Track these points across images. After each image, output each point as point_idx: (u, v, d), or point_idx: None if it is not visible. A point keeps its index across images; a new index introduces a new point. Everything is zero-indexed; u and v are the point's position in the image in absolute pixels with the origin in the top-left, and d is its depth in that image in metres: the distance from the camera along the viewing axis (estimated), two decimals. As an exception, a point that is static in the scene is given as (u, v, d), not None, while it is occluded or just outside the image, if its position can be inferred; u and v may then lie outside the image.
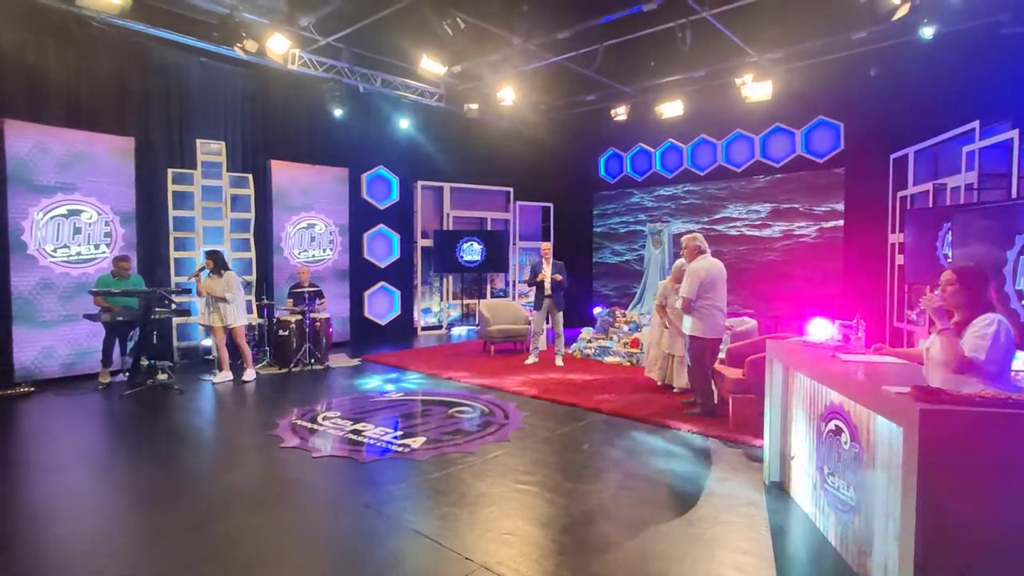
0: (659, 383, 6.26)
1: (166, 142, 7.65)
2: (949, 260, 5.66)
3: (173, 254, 7.63)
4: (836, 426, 2.85)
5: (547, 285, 7.40)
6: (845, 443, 2.75)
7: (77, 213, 6.70)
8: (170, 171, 7.59)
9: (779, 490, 3.59)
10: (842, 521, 2.77)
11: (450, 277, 11.16)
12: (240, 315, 6.66)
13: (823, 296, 9.19)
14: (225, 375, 6.65)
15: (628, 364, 7.63)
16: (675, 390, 6.03)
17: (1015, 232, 3.46)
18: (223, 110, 8.15)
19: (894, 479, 2.28)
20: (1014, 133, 5.33)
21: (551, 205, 12.38)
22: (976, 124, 6.08)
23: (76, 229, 6.70)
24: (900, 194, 7.55)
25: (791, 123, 9.53)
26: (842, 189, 8.99)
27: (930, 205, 6.81)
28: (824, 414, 3.00)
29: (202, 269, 6.58)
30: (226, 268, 6.59)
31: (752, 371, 4.77)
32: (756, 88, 8.60)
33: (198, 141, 7.74)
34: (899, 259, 7.42)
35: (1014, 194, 5.31)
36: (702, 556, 2.82)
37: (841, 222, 9.02)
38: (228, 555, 2.85)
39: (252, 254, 8.23)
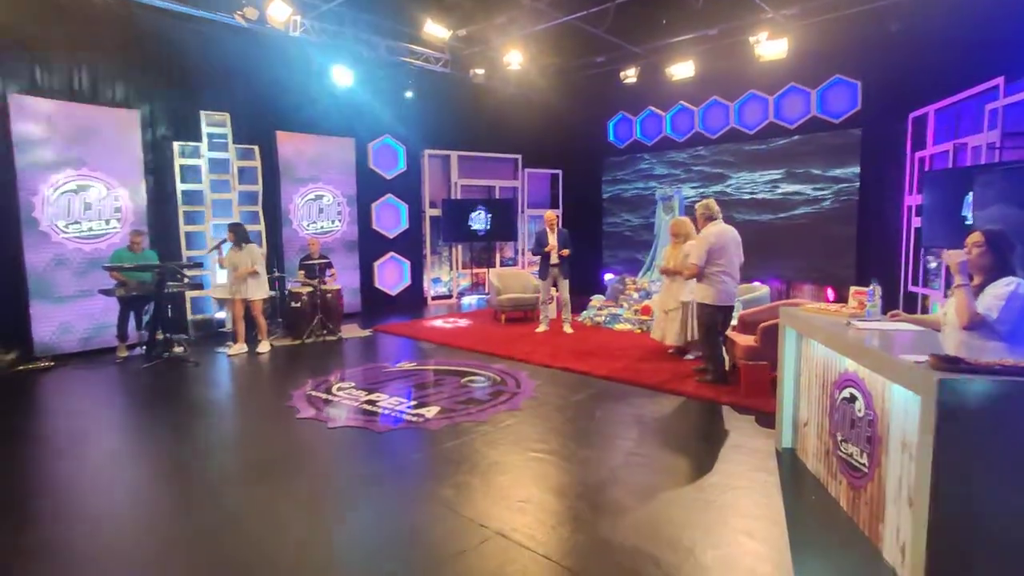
0: (666, 345, 6.26)
1: (171, 115, 7.58)
2: (970, 223, 5.53)
3: (184, 228, 7.64)
4: (850, 394, 2.83)
5: (553, 256, 7.36)
6: (859, 410, 2.74)
7: (86, 188, 6.70)
8: (176, 144, 7.55)
9: (791, 456, 3.61)
10: (855, 487, 2.79)
11: (459, 246, 11.13)
12: (260, 288, 6.73)
13: (837, 261, 9.07)
14: (240, 347, 6.74)
15: (639, 331, 7.63)
16: (670, 351, 6.10)
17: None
18: (226, 81, 8.02)
19: (909, 447, 2.27)
20: (1040, 90, 5.15)
21: (560, 172, 12.23)
22: (1001, 80, 5.86)
23: (86, 205, 6.71)
24: (918, 155, 7.36)
25: (806, 82, 9.24)
26: (858, 151, 8.77)
27: (950, 166, 6.63)
28: (838, 381, 2.99)
29: (222, 242, 6.64)
30: (247, 241, 6.63)
31: (764, 338, 4.75)
32: (771, 46, 8.33)
33: (202, 113, 7.66)
34: (916, 222, 7.28)
35: (1038, 153, 5.16)
36: (714, 522, 2.86)
37: (856, 184, 8.83)
38: (246, 525, 2.93)
39: (261, 227, 8.22)
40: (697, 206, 5.34)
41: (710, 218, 5.20)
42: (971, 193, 5.19)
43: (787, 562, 2.51)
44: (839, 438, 2.96)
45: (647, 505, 3.03)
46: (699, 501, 3.08)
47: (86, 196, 6.70)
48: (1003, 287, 2.54)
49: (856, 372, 2.78)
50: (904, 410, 2.32)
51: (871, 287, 3.23)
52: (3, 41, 6.24)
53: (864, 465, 2.68)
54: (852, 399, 2.82)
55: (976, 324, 2.56)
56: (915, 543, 2.08)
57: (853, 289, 3.44)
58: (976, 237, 2.70)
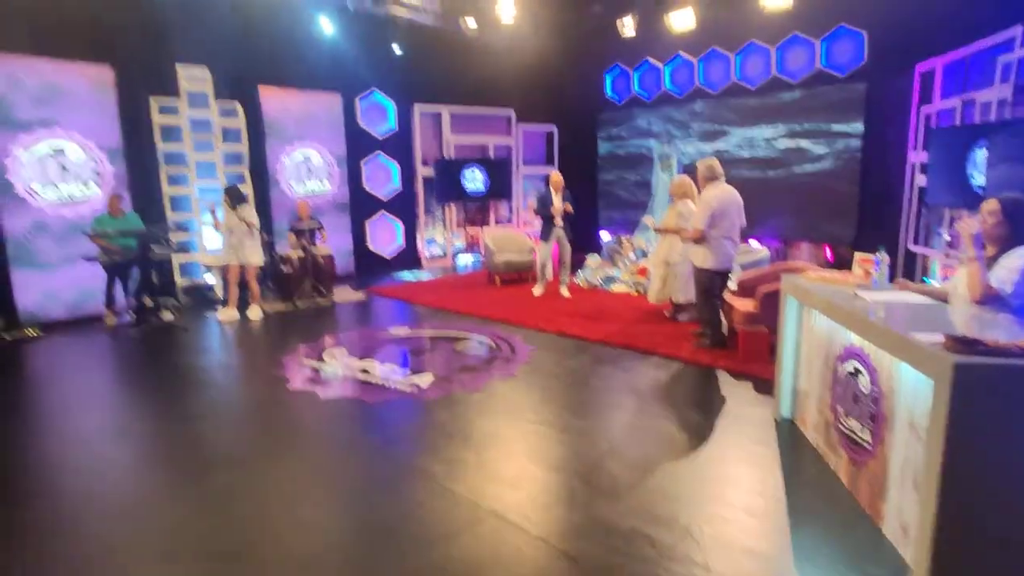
0: (662, 306, 6.21)
1: (146, 69, 7.20)
2: (976, 182, 5.37)
3: (167, 190, 7.39)
4: (854, 367, 2.75)
5: (558, 219, 7.19)
6: (864, 386, 2.66)
7: (61, 151, 6.42)
8: (154, 101, 7.20)
9: (790, 426, 3.57)
10: (856, 463, 2.74)
11: (453, 206, 10.90)
12: (257, 253, 6.58)
13: (837, 219, 8.92)
14: (232, 312, 6.63)
15: (635, 293, 7.54)
16: (666, 313, 6.20)
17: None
18: (204, 32, 7.59)
19: (917, 428, 2.20)
20: (1060, 41, 4.90)
21: (555, 128, 11.87)
22: (1018, 31, 5.58)
23: (63, 168, 6.45)
24: (924, 110, 7.11)
25: (810, 32, 8.85)
26: (862, 106, 8.48)
27: (957, 122, 6.41)
28: (842, 354, 2.91)
29: (214, 208, 6.49)
30: (243, 201, 6.43)
31: (764, 303, 4.66)
32: (776, -8, 7.94)
33: (179, 67, 7.29)
34: (919, 180, 7.10)
35: (1053, 110, 4.96)
36: (711, 498, 2.82)
37: (859, 141, 8.59)
38: (234, 503, 2.88)
39: (249, 188, 7.96)
40: (699, 165, 5.14)
41: (712, 179, 5.01)
42: (982, 151, 5.00)
43: (786, 540, 2.48)
44: (841, 412, 2.90)
45: (643, 481, 2.98)
46: (696, 475, 3.04)
47: (62, 159, 6.43)
48: (1018, 259, 2.42)
49: (861, 346, 2.69)
50: (913, 390, 2.24)
51: (877, 255, 3.11)
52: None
53: (867, 442, 2.63)
54: (856, 373, 2.74)
55: (989, 298, 2.46)
56: (922, 527, 2.03)
57: (858, 256, 3.32)
58: (992, 204, 2.57)
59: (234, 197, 6.39)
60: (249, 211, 6.51)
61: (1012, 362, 1.85)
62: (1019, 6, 5.74)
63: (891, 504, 2.41)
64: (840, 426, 2.90)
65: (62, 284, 6.48)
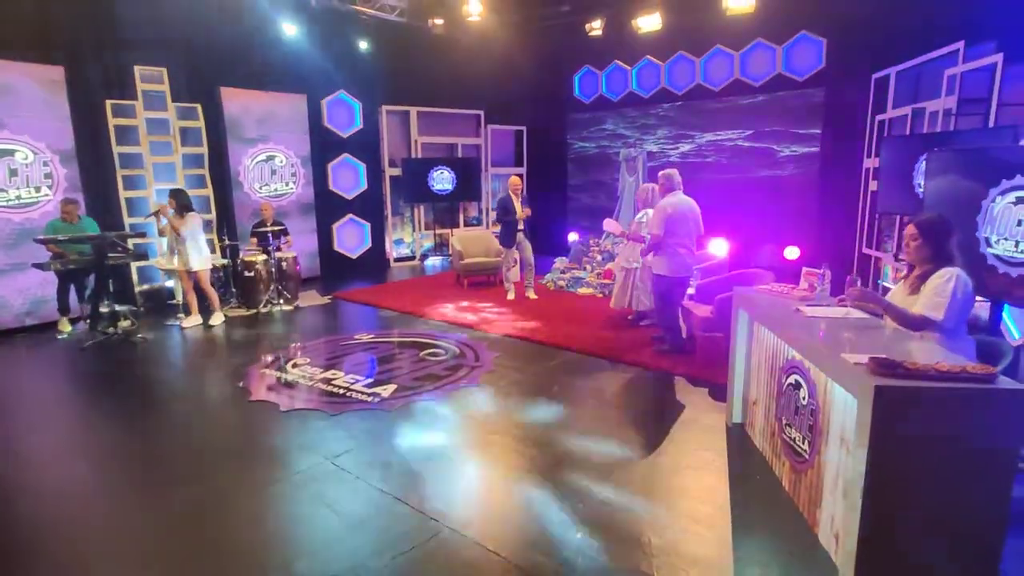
0: (625, 312, 6.32)
1: (100, 70, 7.02)
2: (921, 192, 5.59)
3: (123, 194, 7.21)
4: (796, 380, 2.87)
5: (520, 223, 7.25)
6: (803, 398, 2.78)
7: (10, 153, 6.22)
8: (108, 103, 7.01)
9: (740, 432, 3.70)
10: (796, 471, 2.86)
11: (421, 207, 10.86)
12: (203, 259, 6.41)
13: (797, 221, 9.18)
14: (194, 319, 6.51)
15: (600, 296, 7.65)
16: (629, 317, 6.32)
17: (989, 179, 3.37)
18: (161, 32, 7.42)
19: (846, 442, 2.32)
20: (998, 57, 5.12)
21: (524, 128, 11.91)
22: (961, 45, 5.82)
23: (12, 171, 6.24)
24: (879, 118, 7.36)
25: (773, 38, 9.07)
26: (821, 109, 8.74)
27: (907, 130, 6.65)
28: (785, 367, 3.02)
29: (158, 211, 6.26)
30: (189, 208, 6.27)
31: (720, 310, 4.78)
32: (739, -1, 8.10)
33: (136, 68, 7.11)
34: (872, 185, 7.35)
35: (991, 122, 5.18)
36: (663, 506, 2.91)
37: (817, 145, 8.85)
38: (195, 521, 2.86)
39: (209, 191, 7.83)
40: (659, 176, 5.27)
41: (670, 189, 5.15)
42: (922, 162, 5.22)
43: (728, 547, 2.58)
44: (784, 422, 3.02)
45: (598, 490, 3.06)
46: (649, 484, 3.13)
47: (11, 161, 6.22)
48: (943, 284, 2.55)
49: (802, 361, 2.80)
50: (844, 406, 2.35)
51: (822, 270, 3.24)
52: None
53: (805, 451, 2.75)
54: (797, 386, 2.86)
55: (923, 327, 2.58)
56: (847, 536, 2.14)
57: (805, 270, 3.45)
58: (910, 229, 2.71)
59: (180, 202, 6.23)
60: (192, 220, 6.26)
61: (929, 384, 1.97)
62: (962, 22, 5.99)
63: (825, 512, 2.53)
64: (783, 435, 3.02)
65: (11, 291, 6.28)
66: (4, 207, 6.21)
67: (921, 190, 5.68)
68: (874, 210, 7.11)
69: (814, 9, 8.44)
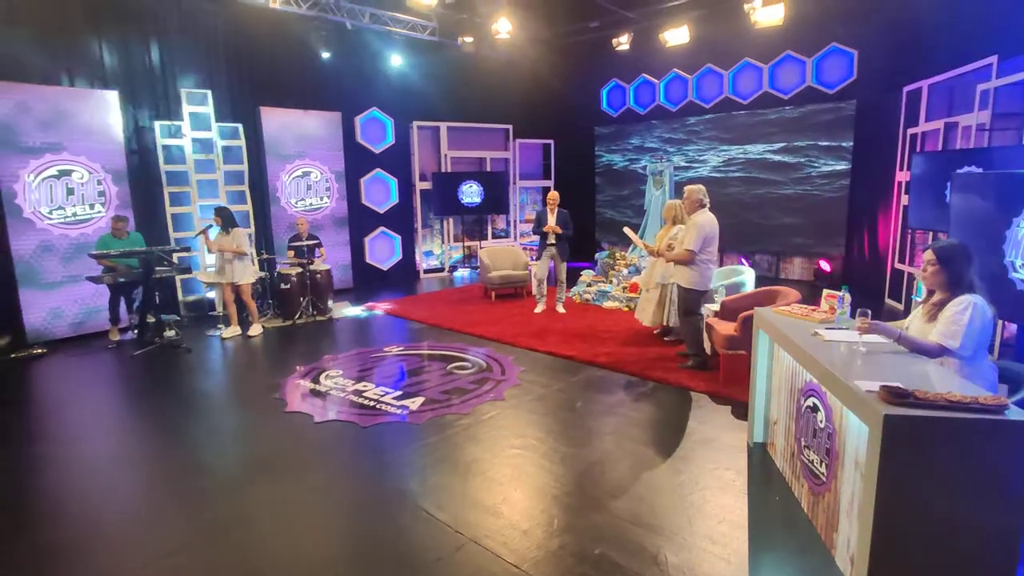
0: (652, 327, 6.36)
1: (150, 94, 7.44)
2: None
3: (169, 210, 7.61)
4: (813, 403, 2.91)
5: (551, 236, 7.34)
6: (820, 421, 2.82)
7: (68, 173, 6.64)
8: (157, 124, 7.42)
9: (762, 452, 3.73)
10: (815, 493, 2.90)
11: (451, 219, 11.09)
12: (248, 272, 6.74)
13: (827, 235, 9.07)
14: (233, 330, 6.82)
15: (626, 309, 7.70)
16: (655, 332, 6.37)
17: (1014, 204, 3.34)
18: (207, 57, 7.85)
19: (860, 466, 2.36)
20: (1032, 73, 5.05)
21: (552, 142, 12.05)
22: (994, 59, 5.75)
23: (69, 190, 6.66)
24: (910, 131, 7.26)
25: (802, 51, 9.04)
26: (852, 122, 8.65)
27: (940, 145, 6.57)
28: (804, 389, 3.06)
29: (208, 226, 6.63)
30: (234, 224, 6.61)
31: (744, 328, 4.81)
32: (766, 13, 8.10)
33: (183, 91, 7.51)
34: (905, 199, 7.25)
35: (1025, 139, 5.11)
36: (680, 525, 2.98)
37: (849, 157, 8.75)
38: (232, 531, 3.05)
39: (249, 206, 8.18)
40: (686, 191, 5.33)
41: (700, 204, 5.20)
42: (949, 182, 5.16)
43: (744, 567, 2.64)
44: (803, 443, 3.06)
45: (617, 506, 3.15)
46: (668, 502, 3.20)
47: (68, 181, 6.65)
48: (959, 313, 2.57)
49: (819, 383, 2.84)
50: (858, 431, 2.40)
51: (842, 293, 3.27)
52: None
53: (823, 474, 2.79)
54: (815, 409, 2.90)
55: (938, 354, 2.61)
56: (861, 560, 2.19)
57: (825, 292, 3.48)
58: (928, 255, 2.73)
59: (226, 219, 6.57)
60: (231, 240, 6.56)
61: (939, 414, 2.01)
62: (995, 36, 5.91)
63: (842, 535, 2.56)
64: (802, 457, 3.06)
65: (66, 302, 6.68)
66: (61, 224, 6.63)
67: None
68: (907, 224, 7.01)
69: (845, 21, 8.40)
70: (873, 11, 7.89)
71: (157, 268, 6.40)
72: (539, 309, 7.68)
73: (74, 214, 6.72)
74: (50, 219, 6.54)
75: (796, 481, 3.18)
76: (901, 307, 7.03)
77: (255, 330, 6.89)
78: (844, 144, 8.78)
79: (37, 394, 5.35)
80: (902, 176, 7.46)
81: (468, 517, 3.07)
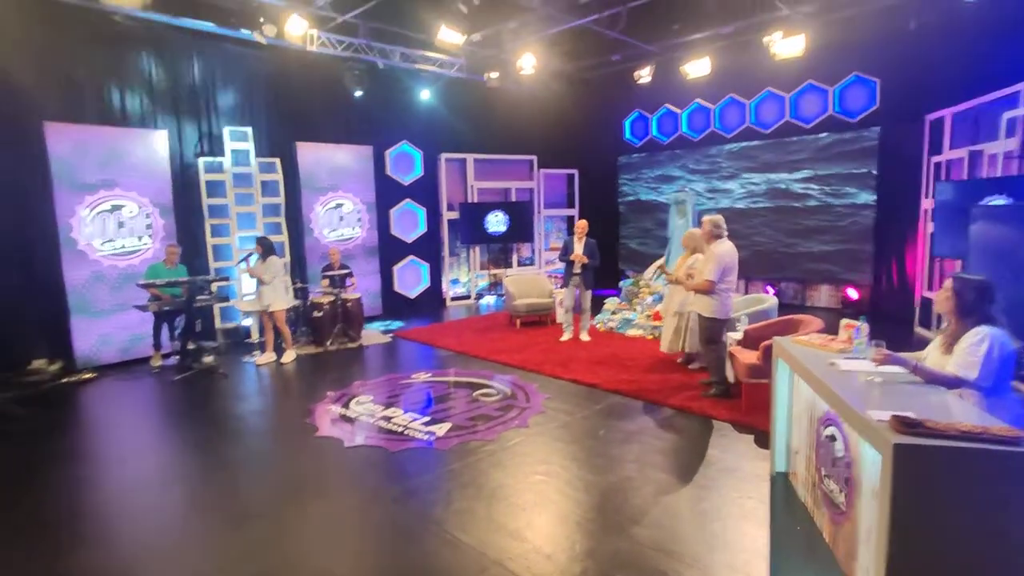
0: (674, 355, 6.41)
1: (196, 132, 7.90)
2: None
3: (210, 241, 7.99)
4: (832, 433, 2.96)
5: (576, 266, 7.45)
6: (839, 451, 2.87)
7: (119, 208, 7.07)
8: (201, 160, 7.87)
9: (784, 481, 3.75)
10: (835, 522, 2.92)
11: (477, 248, 11.33)
12: (279, 299, 7.01)
13: (853, 263, 9.01)
14: (268, 356, 7.08)
15: (650, 338, 7.74)
16: (678, 360, 6.41)
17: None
18: (248, 96, 8.32)
19: (876, 496, 2.40)
20: (1055, 102, 5.07)
21: (575, 172, 12.28)
22: (1021, 87, 5.76)
23: (119, 223, 7.09)
24: (934, 159, 7.26)
25: (824, 80, 9.13)
26: (875, 151, 8.66)
27: (964, 173, 6.55)
28: (823, 418, 3.11)
29: (249, 255, 6.96)
30: (272, 252, 6.93)
31: (766, 357, 4.84)
32: (787, 44, 8.22)
33: (227, 129, 7.96)
34: (930, 227, 7.21)
35: (1050, 168, 5.10)
36: (701, 553, 3.03)
37: (873, 185, 8.73)
38: (265, 553, 3.19)
39: (284, 237, 8.54)
40: (704, 221, 5.43)
41: (718, 236, 5.30)
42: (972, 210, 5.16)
43: (764, 596, 2.68)
44: (823, 472, 3.09)
45: (639, 533, 3.21)
46: (689, 530, 3.25)
47: (119, 215, 7.08)
48: (975, 344, 2.61)
49: (837, 414, 2.89)
50: (873, 460, 2.45)
51: (859, 323, 3.33)
52: (37, 69, 6.58)
53: (842, 504, 2.82)
54: (833, 438, 2.94)
55: (958, 385, 2.65)
56: (877, 589, 2.23)
57: (844, 322, 3.53)
58: (948, 284, 2.79)
59: (266, 248, 6.89)
60: (271, 264, 6.86)
61: (950, 444, 2.07)
62: (1021, 64, 5.93)
63: (861, 564, 2.59)
64: (823, 486, 3.09)
65: (114, 329, 7.04)
66: (112, 255, 7.04)
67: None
68: (933, 252, 6.96)
69: (866, 50, 8.48)
70: (895, 41, 7.96)
71: (199, 297, 6.73)
72: (565, 337, 7.77)
73: (123, 246, 7.13)
74: (101, 251, 6.95)
75: (817, 510, 3.20)
76: (932, 335, 6.94)
77: (288, 356, 7.14)
78: (869, 172, 8.78)
79: (86, 417, 5.66)
80: (927, 204, 7.43)
81: (492, 541, 3.17)
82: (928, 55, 7.56)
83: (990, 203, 5.00)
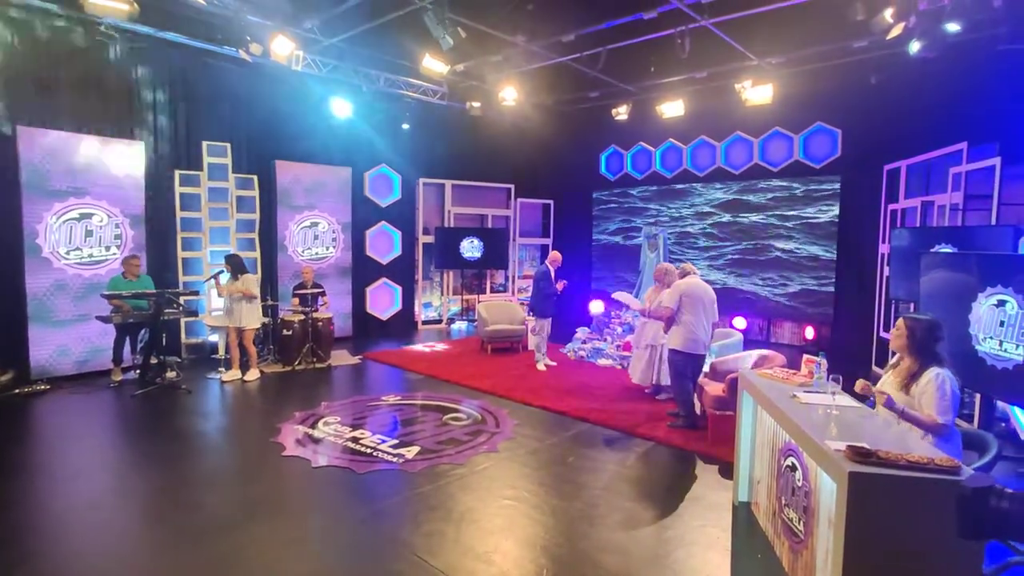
0: (643, 386, 6.53)
1: (173, 145, 7.84)
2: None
3: (181, 254, 7.87)
4: (792, 463, 3.08)
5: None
6: (798, 480, 2.98)
7: (88, 216, 6.93)
8: (177, 173, 7.79)
9: (747, 511, 3.84)
10: (794, 551, 3.02)
11: (451, 272, 11.38)
12: (253, 317, 6.93)
13: (816, 301, 9.36)
14: (233, 373, 6.94)
15: (619, 367, 7.86)
16: (646, 390, 6.54)
17: (976, 284, 3.61)
18: (229, 112, 8.31)
19: (832, 523, 2.51)
20: (996, 161, 5.45)
21: (551, 202, 12.53)
22: (964, 145, 6.19)
23: (88, 232, 6.94)
24: (891, 207, 7.67)
25: (790, 127, 9.60)
26: (837, 195, 9.10)
27: (918, 221, 6.95)
28: (783, 449, 3.23)
29: (219, 272, 6.86)
30: (243, 271, 6.85)
31: (731, 389, 4.98)
32: (756, 92, 8.67)
33: (205, 143, 7.92)
34: (887, 270, 7.58)
35: (993, 219, 5.45)
36: (665, 579, 3.08)
37: (835, 228, 9.15)
38: (225, 571, 3.13)
39: (257, 254, 8.46)
40: (678, 268, 5.77)
41: (685, 275, 5.55)
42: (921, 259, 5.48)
43: (726, 622, 2.73)
44: (783, 502, 3.20)
45: (605, 559, 3.24)
46: (652, 558, 3.30)
47: (88, 223, 6.93)
48: (939, 384, 2.80)
49: (796, 443, 3.02)
50: (831, 489, 2.56)
51: (819, 359, 3.49)
52: (13, 76, 6.50)
53: (801, 532, 2.92)
54: (793, 468, 3.06)
55: (937, 431, 2.81)
56: (832, 615, 2.31)
57: (805, 357, 3.69)
58: (900, 322, 2.99)
59: (235, 266, 6.82)
60: (249, 280, 6.82)
61: (898, 473, 2.19)
62: (965, 123, 6.38)
63: (818, 593, 2.68)
64: (783, 515, 3.19)
65: (73, 340, 6.83)
66: (77, 263, 6.86)
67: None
68: (889, 295, 7.30)
69: (829, 101, 8.97)
70: (855, 95, 8.46)
71: (166, 310, 6.60)
72: (541, 367, 7.77)
73: (90, 255, 6.96)
74: (67, 259, 6.78)
75: (778, 539, 3.29)
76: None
77: (252, 375, 7.01)
78: (830, 215, 9.20)
79: (39, 430, 5.43)
80: (884, 248, 7.82)
81: (461, 564, 3.17)
82: (886, 109, 8.05)
83: (939, 251, 5.31)
